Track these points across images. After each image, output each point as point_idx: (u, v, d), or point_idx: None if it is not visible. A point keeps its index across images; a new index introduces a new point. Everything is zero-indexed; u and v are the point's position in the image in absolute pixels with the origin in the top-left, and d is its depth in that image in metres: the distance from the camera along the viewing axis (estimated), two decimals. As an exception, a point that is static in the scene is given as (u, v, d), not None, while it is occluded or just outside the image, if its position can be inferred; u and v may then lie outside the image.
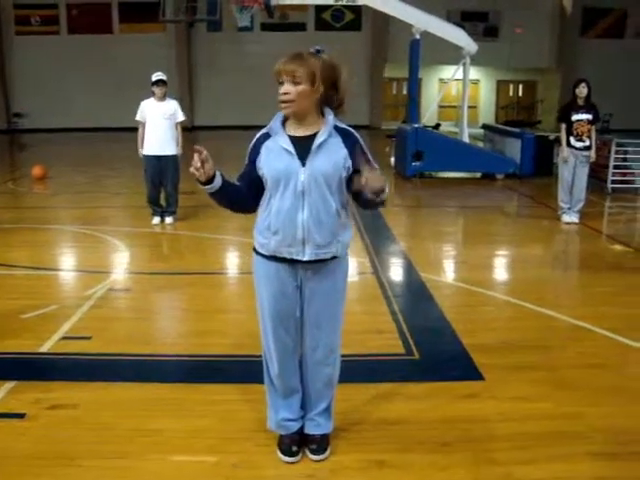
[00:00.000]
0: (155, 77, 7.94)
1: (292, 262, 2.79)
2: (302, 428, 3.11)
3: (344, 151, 2.73)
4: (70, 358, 4.23)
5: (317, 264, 2.80)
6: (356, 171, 2.63)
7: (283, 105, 2.66)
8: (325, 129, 2.72)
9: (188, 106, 27.00)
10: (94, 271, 6.33)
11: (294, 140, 2.71)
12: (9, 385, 3.76)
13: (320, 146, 2.70)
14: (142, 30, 26.95)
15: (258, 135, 2.81)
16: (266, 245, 2.80)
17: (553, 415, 3.48)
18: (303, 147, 2.70)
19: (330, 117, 2.75)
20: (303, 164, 2.69)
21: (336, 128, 2.75)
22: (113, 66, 27.11)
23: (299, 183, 2.68)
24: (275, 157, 2.72)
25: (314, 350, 2.96)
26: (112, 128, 23.06)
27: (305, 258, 2.76)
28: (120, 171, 13.94)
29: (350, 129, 2.80)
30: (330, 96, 2.74)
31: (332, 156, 2.71)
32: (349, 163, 2.73)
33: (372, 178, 2.50)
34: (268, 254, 2.82)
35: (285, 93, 2.64)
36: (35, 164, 13.07)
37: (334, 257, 2.82)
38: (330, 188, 2.72)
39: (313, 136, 2.71)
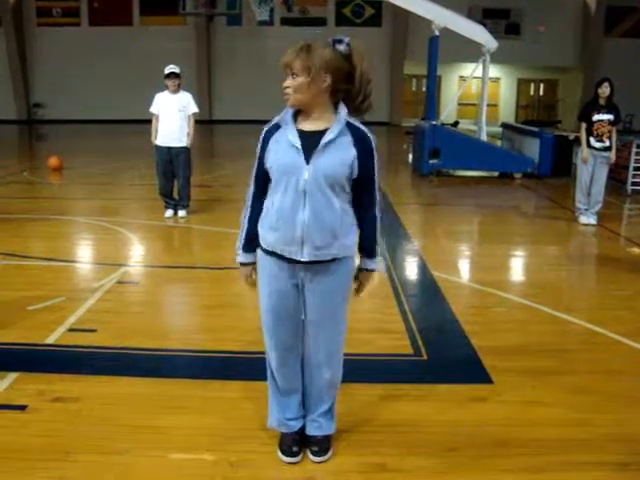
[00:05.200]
0: (167, 70, 7.95)
1: (291, 261, 2.70)
2: (304, 429, 3.05)
3: (352, 152, 2.60)
4: (74, 351, 4.19)
5: (317, 265, 2.69)
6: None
7: (285, 97, 2.60)
8: (335, 126, 2.59)
9: (207, 100, 27.12)
10: (104, 263, 6.31)
11: (303, 134, 2.61)
12: (12, 376, 3.73)
13: (328, 144, 2.57)
14: (162, 23, 27.08)
15: (268, 126, 2.71)
16: (267, 240, 2.72)
17: (564, 422, 3.38)
18: (311, 143, 2.57)
19: (342, 113, 2.61)
20: (308, 162, 2.58)
21: (350, 126, 2.61)
22: (133, 58, 27.26)
23: (302, 181, 2.58)
24: (282, 151, 2.62)
25: (314, 352, 2.89)
26: (131, 120, 23.09)
27: (303, 259, 2.66)
28: (136, 163, 13.96)
29: (366, 132, 2.65)
30: (348, 90, 2.61)
31: (339, 156, 2.58)
32: (356, 166, 2.61)
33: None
34: (269, 249, 2.74)
35: (285, 87, 2.58)
36: (52, 154, 13.14)
37: (335, 258, 2.70)
38: (333, 188, 2.60)
39: (323, 132, 2.59)
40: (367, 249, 2.83)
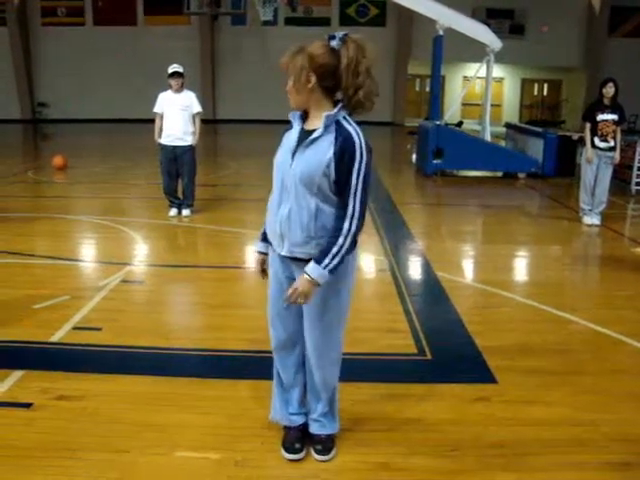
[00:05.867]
0: (171, 69, 7.96)
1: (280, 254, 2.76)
2: (307, 427, 3.06)
3: (330, 152, 2.50)
4: (79, 349, 4.21)
5: (301, 262, 2.65)
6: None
7: None
8: (321, 124, 2.52)
9: (211, 99, 27.14)
10: (108, 262, 6.33)
11: (303, 134, 2.61)
12: (17, 374, 3.75)
13: (311, 143, 2.54)
14: (167, 22, 27.10)
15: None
16: (268, 233, 2.82)
17: (567, 421, 3.38)
18: (303, 142, 2.57)
19: (333, 111, 2.52)
20: (293, 159, 2.60)
21: (338, 125, 2.53)
22: (137, 58, 27.32)
23: (285, 178, 2.61)
24: (282, 148, 2.69)
25: (307, 350, 2.91)
26: (135, 120, 23.14)
27: (282, 252, 2.71)
28: (140, 162, 14.00)
29: (351, 132, 2.51)
30: (337, 87, 2.53)
31: (315, 156, 2.52)
32: (333, 167, 2.50)
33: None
34: (269, 241, 2.84)
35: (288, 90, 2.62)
36: (56, 154, 13.17)
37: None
38: (309, 188, 2.54)
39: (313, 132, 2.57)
40: (317, 253, 2.58)
